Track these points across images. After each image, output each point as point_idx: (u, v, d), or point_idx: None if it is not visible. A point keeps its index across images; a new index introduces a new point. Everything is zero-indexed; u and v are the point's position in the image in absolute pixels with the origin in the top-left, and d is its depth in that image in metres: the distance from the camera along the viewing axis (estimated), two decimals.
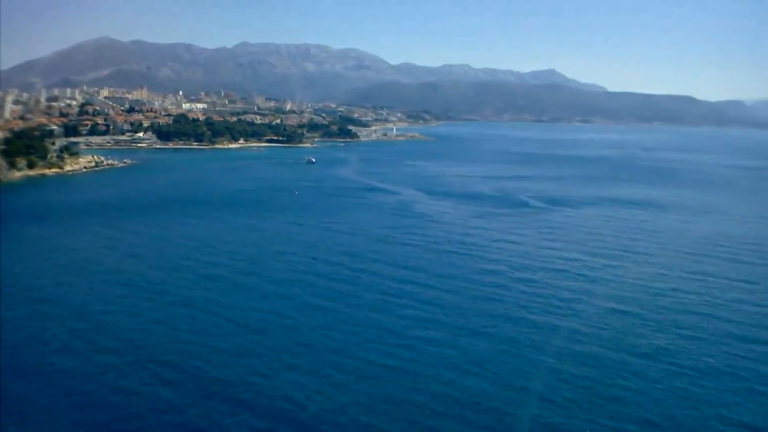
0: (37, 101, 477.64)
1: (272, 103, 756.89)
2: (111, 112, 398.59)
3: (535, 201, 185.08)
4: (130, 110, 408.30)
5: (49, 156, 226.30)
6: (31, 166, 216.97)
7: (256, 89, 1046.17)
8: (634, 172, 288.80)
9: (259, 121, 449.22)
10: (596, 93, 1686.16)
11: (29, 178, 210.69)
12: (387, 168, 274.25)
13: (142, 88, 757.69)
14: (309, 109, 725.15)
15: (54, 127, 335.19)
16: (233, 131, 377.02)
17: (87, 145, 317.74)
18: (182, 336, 71.80)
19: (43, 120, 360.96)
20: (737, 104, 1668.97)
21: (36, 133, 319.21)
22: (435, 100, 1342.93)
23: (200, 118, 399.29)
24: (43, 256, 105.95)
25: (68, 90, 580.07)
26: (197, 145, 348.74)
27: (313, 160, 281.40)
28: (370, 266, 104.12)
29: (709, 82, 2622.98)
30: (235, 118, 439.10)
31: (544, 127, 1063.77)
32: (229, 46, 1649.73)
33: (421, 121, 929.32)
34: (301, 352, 68.15)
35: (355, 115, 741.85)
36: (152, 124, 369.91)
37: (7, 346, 67.68)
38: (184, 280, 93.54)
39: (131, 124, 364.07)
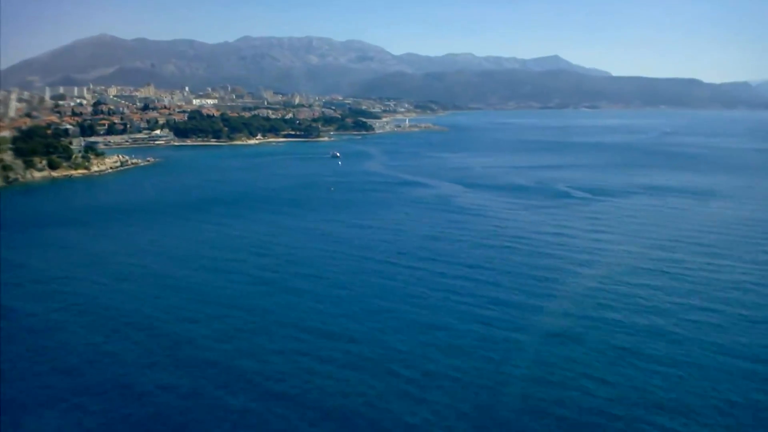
0: (41, 99, 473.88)
1: (280, 97, 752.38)
2: (126, 110, 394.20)
3: (576, 191, 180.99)
4: (145, 108, 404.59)
5: (73, 156, 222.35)
6: (53, 166, 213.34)
7: (259, 83, 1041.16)
8: (662, 159, 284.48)
9: (272, 116, 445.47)
10: (601, 78, 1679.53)
11: (54, 180, 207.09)
12: (412, 160, 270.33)
13: (148, 85, 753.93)
14: (318, 103, 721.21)
15: (69, 126, 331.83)
16: (250, 127, 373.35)
17: (105, 145, 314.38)
18: (267, 346, 68.40)
19: (54, 119, 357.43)
20: (743, 85, 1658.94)
21: (49, 132, 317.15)
22: (440, 89, 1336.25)
23: (215, 114, 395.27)
24: (90, 263, 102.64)
25: (75, 89, 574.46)
26: (215, 141, 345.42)
27: (338, 154, 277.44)
28: (431, 265, 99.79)
29: (713, 64, 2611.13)
30: (247, 114, 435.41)
31: (552, 113, 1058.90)
32: (231, 40, 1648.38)
33: (429, 111, 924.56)
34: (403, 364, 64.53)
35: (363, 107, 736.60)
36: (167, 121, 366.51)
37: (85, 360, 64.51)
38: (248, 286, 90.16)
39: (147, 122, 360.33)
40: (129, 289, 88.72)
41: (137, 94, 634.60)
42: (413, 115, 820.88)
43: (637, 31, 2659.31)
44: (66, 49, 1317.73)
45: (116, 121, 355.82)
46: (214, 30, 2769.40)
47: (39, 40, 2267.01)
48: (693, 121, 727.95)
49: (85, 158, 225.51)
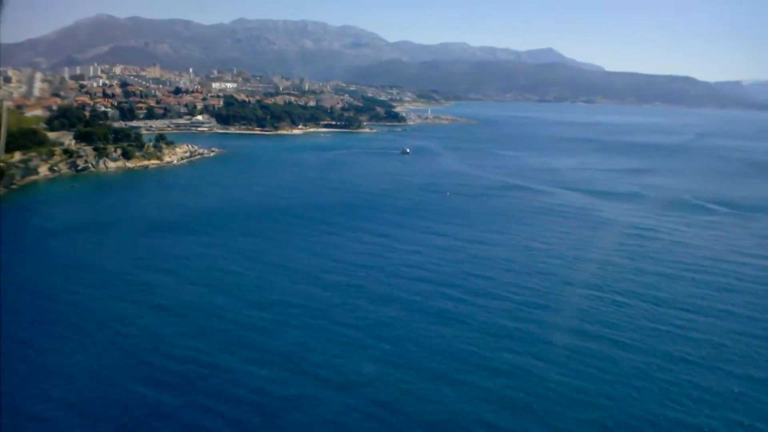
0: (63, 79, 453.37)
1: (289, 82, 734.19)
2: (158, 93, 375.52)
3: (710, 204, 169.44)
4: (177, 92, 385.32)
5: (146, 146, 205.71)
6: (126, 156, 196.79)
7: (254, 66, 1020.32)
8: (741, 166, 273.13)
9: (295, 102, 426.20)
10: (595, 72, 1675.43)
11: (128, 171, 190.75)
12: (484, 159, 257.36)
13: (154, 65, 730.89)
14: (328, 89, 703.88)
15: (107, 109, 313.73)
16: (292, 115, 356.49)
17: (147, 130, 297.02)
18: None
19: (86, 99, 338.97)
20: (735, 85, 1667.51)
21: (86, 114, 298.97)
22: (437, 79, 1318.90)
23: (250, 101, 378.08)
24: (235, 287, 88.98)
25: (91, 68, 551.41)
26: (259, 130, 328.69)
27: (408, 150, 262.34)
28: (633, 302, 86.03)
29: (706, 63, 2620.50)
30: (271, 100, 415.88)
31: (554, 107, 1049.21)
32: (226, 22, 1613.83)
33: (433, 102, 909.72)
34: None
35: (369, 95, 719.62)
36: (206, 106, 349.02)
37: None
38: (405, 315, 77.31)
39: (186, 106, 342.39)
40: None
41: (144, 74, 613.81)
42: (420, 105, 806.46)
43: (630, 26, 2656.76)
44: (68, 30, 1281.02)
45: (153, 104, 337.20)
46: (210, 11, 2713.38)
47: (44, 20, 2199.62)
48: (707, 121, 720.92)
49: (157, 147, 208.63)
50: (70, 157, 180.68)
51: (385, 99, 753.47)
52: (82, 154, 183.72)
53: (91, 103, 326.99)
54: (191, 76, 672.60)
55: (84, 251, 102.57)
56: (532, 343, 71.17)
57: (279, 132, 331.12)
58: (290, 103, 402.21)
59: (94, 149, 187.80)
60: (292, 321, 75.81)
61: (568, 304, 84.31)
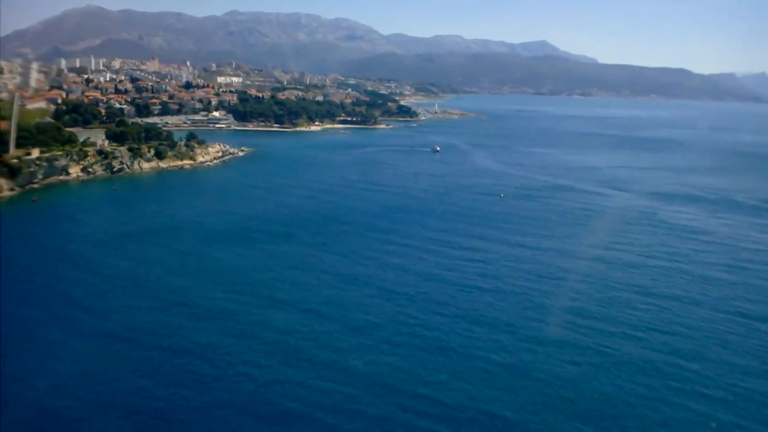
0: (60, 71, 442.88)
1: (289, 76, 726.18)
2: (169, 88, 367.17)
3: (762, 204, 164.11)
4: (188, 86, 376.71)
5: (178, 145, 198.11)
6: (160, 156, 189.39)
7: (248, 58, 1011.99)
8: None
9: (302, 96, 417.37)
10: (589, 65, 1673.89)
11: (161, 172, 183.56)
12: (518, 157, 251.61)
13: (153, 59, 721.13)
14: (330, 83, 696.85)
15: (123, 105, 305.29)
16: (308, 111, 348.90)
17: (164, 127, 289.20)
18: None
19: (96, 94, 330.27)
20: (730, 77, 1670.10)
21: (102, 111, 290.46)
22: (432, 71, 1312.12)
23: (264, 96, 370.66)
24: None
25: (92, 61, 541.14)
26: (278, 127, 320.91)
27: (438, 149, 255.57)
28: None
29: (700, 55, 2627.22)
30: (283, 95, 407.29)
31: (552, 100, 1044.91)
32: (219, 14, 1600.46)
33: (431, 95, 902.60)
34: None
35: (368, 88, 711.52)
36: (221, 102, 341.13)
37: None
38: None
39: (201, 102, 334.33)
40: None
41: (144, 67, 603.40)
42: (420, 98, 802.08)
43: (623, 18, 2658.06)
44: (55, 20, 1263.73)
45: (166, 99, 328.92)
46: (202, 3, 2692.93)
47: (31, 10, 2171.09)
48: (710, 114, 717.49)
49: (188, 147, 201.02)
50: (105, 158, 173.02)
51: (386, 92, 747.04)
52: (117, 155, 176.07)
53: (104, 98, 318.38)
54: (190, 69, 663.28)
55: (144, 265, 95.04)
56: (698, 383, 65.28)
57: (298, 129, 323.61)
58: (303, 98, 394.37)
59: (128, 149, 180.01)
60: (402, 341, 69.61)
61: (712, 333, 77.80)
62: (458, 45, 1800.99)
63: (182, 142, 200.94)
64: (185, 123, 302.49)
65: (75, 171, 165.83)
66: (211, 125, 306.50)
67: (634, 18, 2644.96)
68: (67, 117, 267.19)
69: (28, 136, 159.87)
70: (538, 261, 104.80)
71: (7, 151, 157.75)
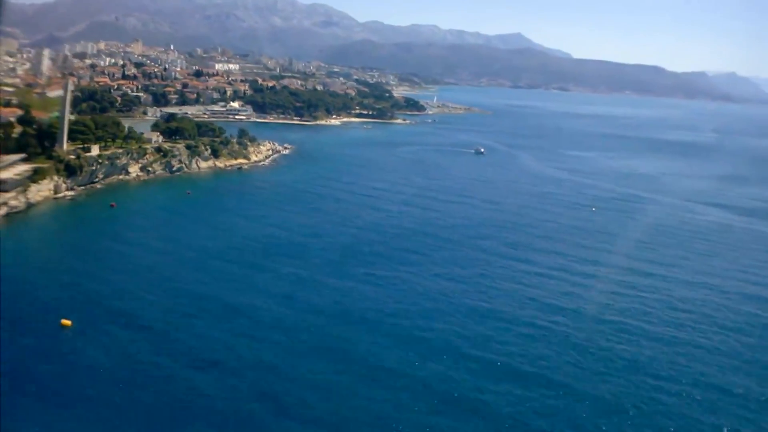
0: (66, 57, 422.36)
1: (273, 61, 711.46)
2: (178, 75, 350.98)
3: None
4: (198, 75, 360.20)
5: (230, 142, 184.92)
6: (215, 154, 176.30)
7: (224, 43, 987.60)
8: None
9: (301, 86, 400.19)
10: (564, 59, 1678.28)
11: (221, 172, 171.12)
12: (563, 160, 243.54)
13: (136, 41, 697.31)
14: (315, 70, 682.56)
15: (139, 93, 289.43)
16: (325, 104, 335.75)
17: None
18: None
19: (106, 80, 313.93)
20: (701, 75, 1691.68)
21: (119, 100, 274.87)
22: (410, 61, 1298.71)
23: (276, 86, 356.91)
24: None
25: (89, 45, 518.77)
26: (298, 120, 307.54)
27: (482, 150, 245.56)
28: None
29: (673, 53, 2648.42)
30: (301, 87, 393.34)
31: (533, 94, 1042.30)
32: None
33: (415, 86, 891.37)
34: None
35: (355, 77, 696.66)
36: (235, 92, 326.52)
37: None
38: None
39: (217, 91, 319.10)
40: None
41: (129, 50, 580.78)
42: (405, 89, 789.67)
43: (596, 13, 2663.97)
44: (49, 7, 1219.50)
45: (178, 87, 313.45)
46: None
47: None
48: (698, 115, 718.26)
49: (241, 144, 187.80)
50: (164, 156, 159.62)
51: (371, 82, 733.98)
52: (176, 153, 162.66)
53: (114, 85, 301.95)
54: (176, 54, 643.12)
55: (286, 304, 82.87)
56: None
57: (318, 122, 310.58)
58: (317, 90, 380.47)
59: (186, 147, 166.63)
60: None
61: None
62: (435, 35, 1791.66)
63: (234, 139, 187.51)
64: (205, 114, 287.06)
65: (134, 170, 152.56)
66: (231, 116, 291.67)
67: (608, 14, 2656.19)
68: (84, 105, 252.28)
69: (84, 130, 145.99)
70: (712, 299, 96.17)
71: (53, 146, 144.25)
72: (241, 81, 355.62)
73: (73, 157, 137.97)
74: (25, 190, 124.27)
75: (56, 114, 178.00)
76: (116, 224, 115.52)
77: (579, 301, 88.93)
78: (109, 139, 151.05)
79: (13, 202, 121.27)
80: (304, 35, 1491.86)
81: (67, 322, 71.50)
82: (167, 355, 65.19)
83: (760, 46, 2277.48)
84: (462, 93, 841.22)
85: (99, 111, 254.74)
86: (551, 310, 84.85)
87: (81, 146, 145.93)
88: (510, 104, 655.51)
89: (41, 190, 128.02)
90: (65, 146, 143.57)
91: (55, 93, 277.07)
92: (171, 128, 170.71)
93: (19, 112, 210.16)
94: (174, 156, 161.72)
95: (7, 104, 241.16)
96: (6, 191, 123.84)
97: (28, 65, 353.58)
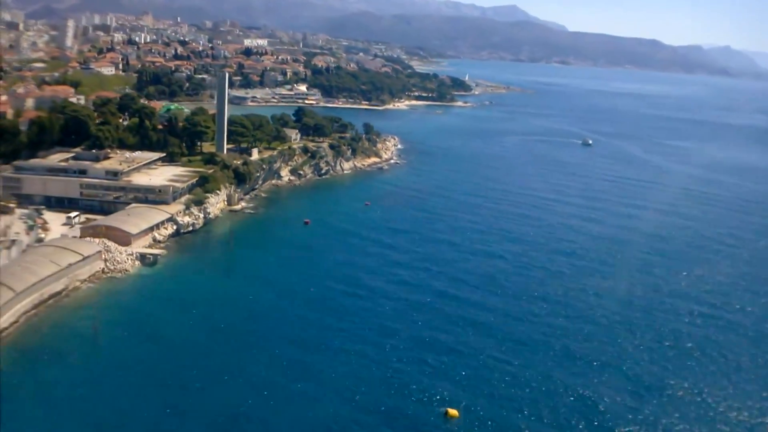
0: (86, 29, 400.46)
1: (286, 35, 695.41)
2: (228, 53, 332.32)
3: None
4: (248, 53, 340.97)
5: (360, 139, 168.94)
6: (354, 153, 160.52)
7: (219, 14, 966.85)
8: None
9: (335, 63, 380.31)
10: (561, 32, 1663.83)
11: (363, 173, 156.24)
12: (674, 152, 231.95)
13: (146, 14, 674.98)
14: (336, 47, 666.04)
15: (204, 75, 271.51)
16: (389, 87, 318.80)
17: (253, 101, 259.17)
18: None
19: (162, 61, 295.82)
20: (697, 49, 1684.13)
21: (186, 84, 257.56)
22: (409, 33, 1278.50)
23: (330, 67, 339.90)
24: None
25: (108, 17, 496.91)
26: (367, 104, 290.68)
27: (590, 142, 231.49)
28: None
29: (669, 26, 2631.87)
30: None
31: (538, 69, 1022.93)
32: None
33: (423, 59, 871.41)
34: None
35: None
36: (295, 73, 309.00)
37: None
38: None
39: (283, 74, 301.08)
40: None
41: (140, 23, 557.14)
42: (417, 63, 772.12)
43: None
44: None
45: (235, 68, 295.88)
46: None
47: None
48: (717, 91, 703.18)
49: (371, 141, 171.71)
50: (312, 158, 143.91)
51: (394, 57, 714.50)
52: (323, 153, 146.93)
53: (171, 66, 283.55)
54: (181, 26, 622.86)
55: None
56: None
57: (386, 107, 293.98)
58: (369, 71, 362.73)
59: (330, 147, 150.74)
60: None
61: None
62: (428, 5, 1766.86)
63: (363, 136, 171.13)
64: (273, 98, 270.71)
65: (285, 174, 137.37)
66: (300, 101, 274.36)
67: None
68: (151, 89, 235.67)
69: (243, 132, 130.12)
70: None
71: (192, 145, 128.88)
72: (295, 61, 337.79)
73: (239, 162, 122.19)
74: (200, 203, 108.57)
75: (174, 106, 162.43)
76: (342, 249, 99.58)
77: None
78: (264, 141, 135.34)
79: (185, 219, 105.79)
80: (300, 5, 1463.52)
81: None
82: None
83: (753, 19, 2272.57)
84: (477, 68, 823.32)
85: (168, 96, 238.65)
86: None
87: (236, 148, 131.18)
88: (536, 81, 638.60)
89: (217, 203, 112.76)
90: (224, 151, 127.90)
91: (104, 68, 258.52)
92: (308, 125, 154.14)
93: (69, 89, 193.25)
94: (321, 157, 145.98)
95: (44, 82, 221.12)
96: (166, 203, 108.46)
97: (46, 37, 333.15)
